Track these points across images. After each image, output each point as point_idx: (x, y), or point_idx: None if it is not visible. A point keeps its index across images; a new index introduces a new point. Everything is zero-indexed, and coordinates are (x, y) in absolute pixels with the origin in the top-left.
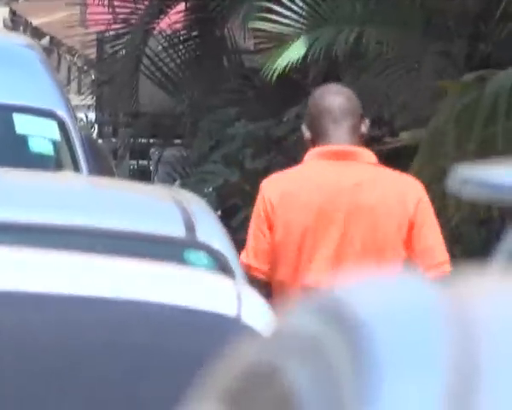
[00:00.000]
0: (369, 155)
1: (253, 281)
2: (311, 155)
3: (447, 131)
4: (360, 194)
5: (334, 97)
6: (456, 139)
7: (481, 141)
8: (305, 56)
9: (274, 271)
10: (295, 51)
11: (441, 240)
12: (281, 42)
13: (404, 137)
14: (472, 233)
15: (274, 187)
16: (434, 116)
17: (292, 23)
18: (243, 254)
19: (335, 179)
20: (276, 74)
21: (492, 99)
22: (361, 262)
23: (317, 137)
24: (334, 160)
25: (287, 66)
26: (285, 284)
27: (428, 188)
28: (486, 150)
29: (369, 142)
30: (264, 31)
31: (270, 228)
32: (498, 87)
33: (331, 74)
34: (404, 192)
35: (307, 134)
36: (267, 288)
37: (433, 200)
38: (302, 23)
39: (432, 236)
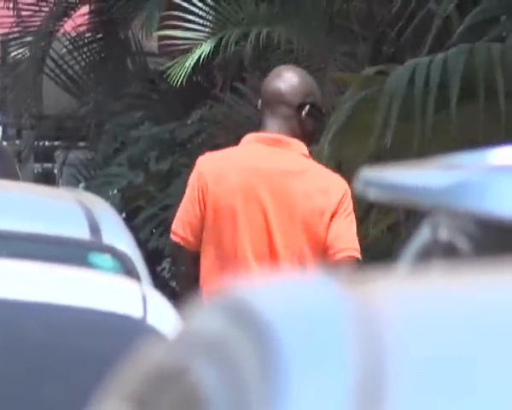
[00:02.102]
0: (301, 147)
1: (179, 250)
2: (249, 138)
3: (345, 126)
4: (287, 182)
5: (277, 84)
6: (355, 136)
7: (382, 135)
8: (209, 59)
9: (203, 248)
10: (198, 54)
11: (353, 232)
12: (186, 45)
13: None
14: (378, 237)
15: (209, 165)
16: (334, 111)
17: (196, 27)
18: (173, 223)
19: (265, 164)
20: (182, 79)
21: (391, 93)
22: (280, 250)
23: (261, 119)
24: (269, 145)
25: (193, 69)
26: (213, 262)
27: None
28: (386, 146)
29: None
30: (170, 37)
31: (200, 204)
32: (397, 80)
33: (237, 76)
34: (329, 186)
35: (260, 111)
36: (192, 257)
37: None
38: (206, 26)
39: (344, 226)
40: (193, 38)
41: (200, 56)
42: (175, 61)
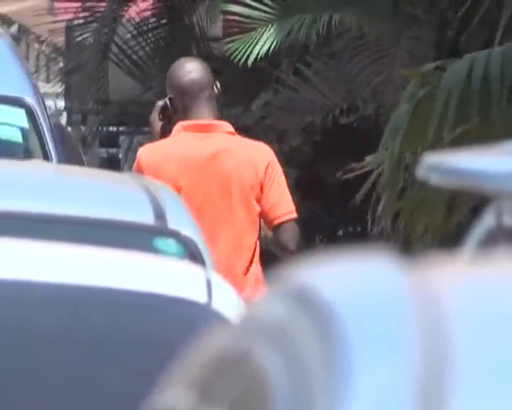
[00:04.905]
0: (226, 126)
1: None
2: (178, 128)
3: (402, 123)
4: (217, 164)
5: (190, 76)
6: (415, 134)
7: (438, 133)
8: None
9: None
10: (268, 40)
11: (287, 195)
12: (250, 27)
13: (370, 160)
14: (438, 222)
15: (147, 157)
16: (395, 110)
17: (263, 7)
18: None
19: (194, 152)
20: (250, 61)
21: (447, 90)
22: (221, 226)
23: (180, 111)
24: (196, 132)
25: (258, 54)
26: None
27: (393, 180)
28: (443, 143)
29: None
30: (234, 13)
31: None
32: (454, 77)
33: (300, 59)
34: (255, 158)
35: (169, 103)
36: None
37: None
38: (273, 8)
39: (278, 192)
40: (258, 18)
41: (270, 44)
42: (238, 41)
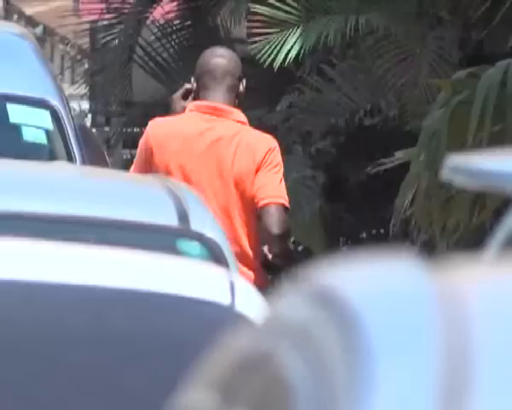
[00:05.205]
0: (238, 114)
1: None
2: (191, 106)
3: (440, 131)
4: (218, 148)
5: (218, 59)
6: (451, 140)
7: (476, 140)
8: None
9: None
10: (296, 44)
11: (277, 183)
12: (275, 29)
13: (400, 155)
14: (466, 223)
15: (156, 130)
16: (428, 116)
17: (289, 9)
18: None
19: (199, 134)
20: (276, 63)
21: (483, 98)
22: (219, 208)
23: (200, 91)
24: (207, 114)
25: (286, 58)
26: None
27: (427, 191)
28: (481, 149)
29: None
30: (259, 14)
31: (147, 166)
32: (488, 83)
33: (326, 62)
34: (255, 146)
35: (194, 85)
36: None
37: (430, 199)
38: (298, 9)
39: (268, 177)
40: (283, 19)
41: (299, 49)
42: (265, 42)
